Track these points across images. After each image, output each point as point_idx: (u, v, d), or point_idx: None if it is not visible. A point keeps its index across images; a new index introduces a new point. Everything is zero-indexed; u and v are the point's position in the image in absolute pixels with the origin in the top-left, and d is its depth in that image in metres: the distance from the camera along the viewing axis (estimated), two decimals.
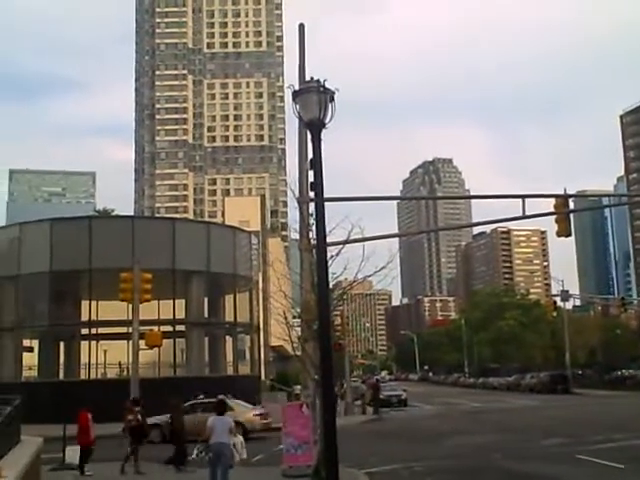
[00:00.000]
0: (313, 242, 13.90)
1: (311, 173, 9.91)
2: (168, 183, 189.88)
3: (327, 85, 9.42)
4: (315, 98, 9.38)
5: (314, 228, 13.65)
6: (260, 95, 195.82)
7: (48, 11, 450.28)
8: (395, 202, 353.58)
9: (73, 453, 20.00)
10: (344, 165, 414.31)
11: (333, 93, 9.46)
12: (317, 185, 9.57)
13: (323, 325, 9.64)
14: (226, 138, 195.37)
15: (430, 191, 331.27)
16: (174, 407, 20.36)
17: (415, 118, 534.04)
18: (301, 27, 16.43)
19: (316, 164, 9.54)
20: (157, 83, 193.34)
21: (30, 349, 44.30)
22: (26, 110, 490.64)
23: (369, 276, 15.28)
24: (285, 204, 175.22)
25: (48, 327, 42.61)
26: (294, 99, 9.58)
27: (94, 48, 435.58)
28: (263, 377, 58.65)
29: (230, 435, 15.21)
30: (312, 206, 14.17)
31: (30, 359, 44.09)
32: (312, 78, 9.58)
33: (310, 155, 9.98)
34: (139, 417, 19.60)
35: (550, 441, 24.35)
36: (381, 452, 23.11)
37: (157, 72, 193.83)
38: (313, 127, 9.53)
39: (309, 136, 9.89)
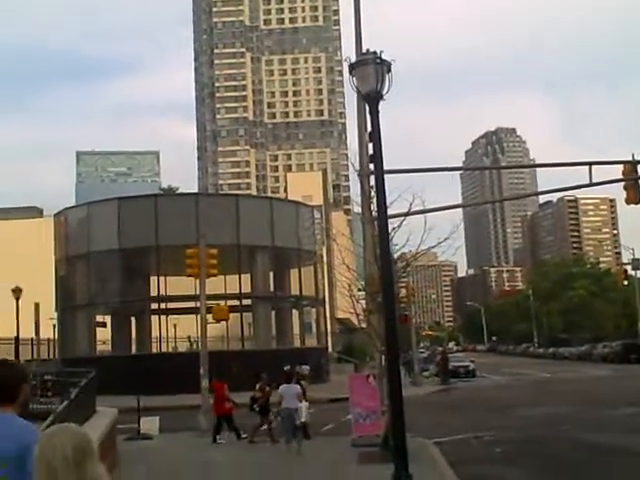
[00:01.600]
0: (375, 214, 13.92)
1: (370, 145, 9.92)
2: (230, 160, 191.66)
3: (384, 56, 9.37)
4: (372, 70, 9.32)
5: (375, 200, 13.71)
6: (319, 70, 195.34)
7: None
8: (458, 173, 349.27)
9: (148, 424, 20.59)
10: (405, 136, 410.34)
11: (390, 64, 9.40)
12: (376, 157, 9.56)
13: (387, 297, 9.69)
14: (286, 114, 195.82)
15: (493, 161, 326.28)
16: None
17: (478, 88, 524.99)
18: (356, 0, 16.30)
19: (375, 136, 9.53)
20: (216, 61, 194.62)
21: (103, 324, 45.55)
22: (91, 92, 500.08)
23: (432, 247, 15.27)
24: (347, 178, 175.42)
25: (119, 303, 43.70)
26: (351, 72, 9.56)
27: (155, 29, 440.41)
28: (330, 349, 59.08)
29: (297, 400, 16.91)
30: (373, 179, 14.20)
31: (103, 334, 45.42)
32: (368, 50, 9.55)
33: (369, 127, 9.97)
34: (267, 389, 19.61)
35: (623, 411, 24.01)
36: (449, 422, 23.14)
37: (215, 50, 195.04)
38: (370, 99, 9.49)
39: (367, 108, 9.86)
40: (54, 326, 50.01)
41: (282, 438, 17.45)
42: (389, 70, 9.37)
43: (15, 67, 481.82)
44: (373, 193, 13.93)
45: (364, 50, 10.01)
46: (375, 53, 9.37)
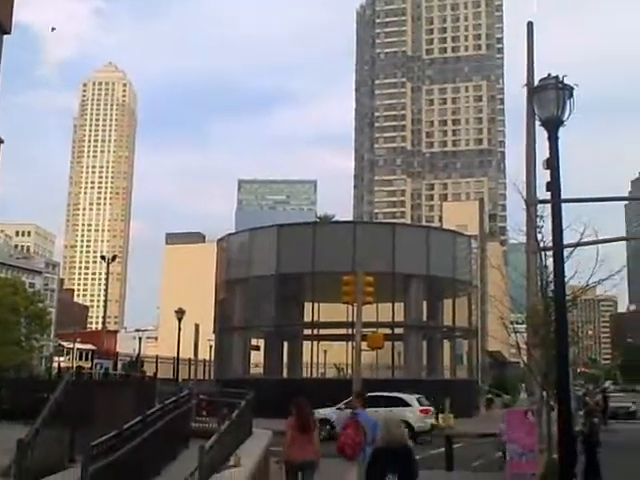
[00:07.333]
0: (541, 245, 13.47)
1: (545, 173, 9.52)
2: (386, 189, 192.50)
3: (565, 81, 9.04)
4: (553, 95, 8.98)
5: (543, 230, 13.23)
6: (479, 98, 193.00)
7: (272, 32, 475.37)
8: (622, 204, 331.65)
9: None
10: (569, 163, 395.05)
11: (572, 89, 9.03)
12: (554, 185, 9.13)
13: (561, 331, 9.18)
14: (444, 143, 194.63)
15: None
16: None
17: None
18: (530, 25, 15.87)
19: (552, 163, 9.12)
20: (377, 92, 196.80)
21: (257, 348, 46.62)
22: (253, 124, 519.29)
23: (604, 280, 14.37)
24: (504, 208, 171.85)
25: (274, 327, 44.56)
26: (530, 97, 9.27)
27: (315, 63, 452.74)
28: (479, 382, 57.68)
29: None
30: (540, 208, 13.70)
31: (257, 357, 46.46)
32: (549, 75, 9.22)
33: (539, 155, 9.61)
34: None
35: None
36: (612, 465, 21.73)
37: (377, 81, 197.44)
38: (550, 125, 9.11)
39: (547, 135, 9.46)
40: (211, 347, 51.78)
41: None
42: (571, 95, 9.00)
43: (190, 98, 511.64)
44: (539, 222, 13.46)
45: (537, 76, 9.66)
46: (557, 78, 9.03)
